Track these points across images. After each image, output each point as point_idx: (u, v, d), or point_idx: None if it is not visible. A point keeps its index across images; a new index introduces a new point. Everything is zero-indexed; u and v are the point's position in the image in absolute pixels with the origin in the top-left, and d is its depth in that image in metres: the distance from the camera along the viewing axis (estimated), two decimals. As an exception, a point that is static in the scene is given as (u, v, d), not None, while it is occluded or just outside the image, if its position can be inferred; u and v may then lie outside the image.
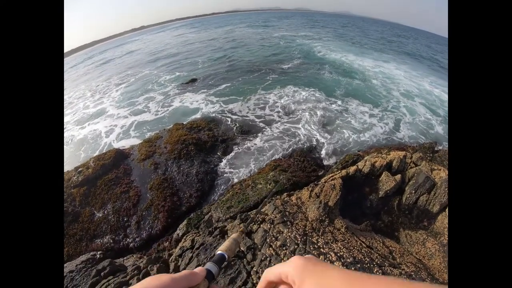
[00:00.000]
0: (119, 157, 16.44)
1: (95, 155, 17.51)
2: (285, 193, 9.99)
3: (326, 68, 34.85)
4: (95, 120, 25.54)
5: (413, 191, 9.95)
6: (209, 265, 1.00)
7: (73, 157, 19.15)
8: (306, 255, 0.78)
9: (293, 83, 28.55)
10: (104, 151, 18.01)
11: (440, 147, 16.02)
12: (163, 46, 70.48)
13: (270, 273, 0.81)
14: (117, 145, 19.52)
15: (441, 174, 10.08)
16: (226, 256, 1.14)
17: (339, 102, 24.44)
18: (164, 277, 0.76)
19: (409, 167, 10.98)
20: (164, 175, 14.80)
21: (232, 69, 35.74)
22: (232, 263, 6.63)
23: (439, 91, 29.97)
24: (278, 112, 22.33)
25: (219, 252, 1.13)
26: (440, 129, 20.75)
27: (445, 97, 27.80)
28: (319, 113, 21.84)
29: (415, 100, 26.61)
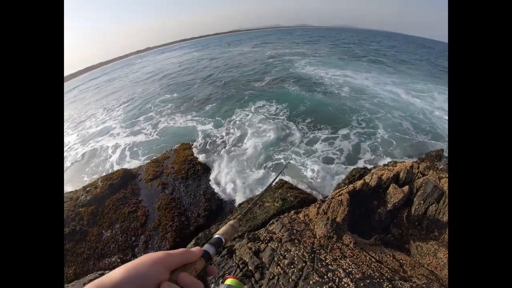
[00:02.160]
0: (127, 176, 16.67)
1: (100, 175, 17.72)
2: (293, 211, 9.96)
3: (310, 85, 34.02)
4: (99, 138, 26.19)
5: (422, 202, 9.81)
6: (206, 246, 1.06)
7: (76, 179, 19.34)
8: None
9: (267, 99, 28.76)
10: (108, 172, 18.31)
11: (447, 154, 15.82)
12: (166, 67, 72.84)
13: None
14: (120, 167, 19.58)
15: (450, 183, 9.94)
16: (223, 240, 1.22)
17: (304, 123, 22.74)
18: (160, 253, 0.81)
19: (417, 177, 10.87)
20: (172, 195, 14.88)
21: (225, 87, 36.84)
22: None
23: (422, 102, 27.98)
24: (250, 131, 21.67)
25: (216, 235, 1.22)
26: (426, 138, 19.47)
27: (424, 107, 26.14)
28: (283, 133, 20.86)
29: (393, 112, 24.49)
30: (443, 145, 18.32)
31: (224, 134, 22.03)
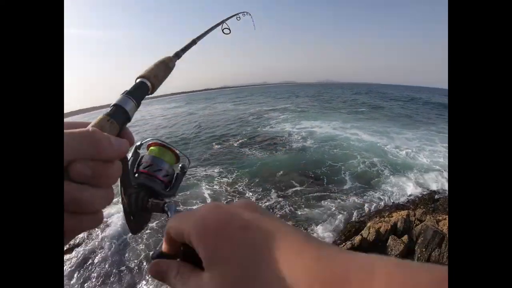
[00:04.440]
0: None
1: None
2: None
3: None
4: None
5: (424, 249, 9.70)
6: (121, 98, 0.67)
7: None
8: (217, 203, 0.50)
9: (218, 166, 24.98)
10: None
11: (439, 196, 15.73)
12: (152, 120, 72.22)
13: (171, 227, 0.50)
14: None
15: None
16: (149, 85, 0.77)
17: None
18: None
19: (415, 224, 10.83)
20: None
21: (185, 149, 35.74)
22: None
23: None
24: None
25: (138, 79, 0.76)
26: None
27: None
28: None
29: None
30: (430, 185, 18.08)
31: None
